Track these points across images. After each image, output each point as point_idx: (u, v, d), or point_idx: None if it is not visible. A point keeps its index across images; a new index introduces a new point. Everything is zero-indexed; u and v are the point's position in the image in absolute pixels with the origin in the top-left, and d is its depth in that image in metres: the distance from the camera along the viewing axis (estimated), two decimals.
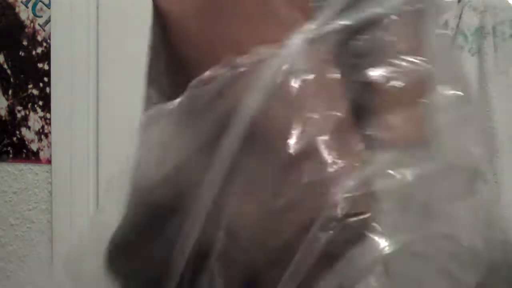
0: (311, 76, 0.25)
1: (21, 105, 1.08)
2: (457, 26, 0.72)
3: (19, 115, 1.08)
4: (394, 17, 0.26)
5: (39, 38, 1.06)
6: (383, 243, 0.23)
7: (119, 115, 0.99)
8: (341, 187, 0.23)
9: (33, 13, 1.06)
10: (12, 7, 1.08)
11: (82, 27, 1.00)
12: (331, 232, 0.23)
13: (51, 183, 1.05)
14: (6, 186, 1.10)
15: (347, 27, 0.25)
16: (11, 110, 1.09)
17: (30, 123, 1.07)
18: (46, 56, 1.05)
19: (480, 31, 0.70)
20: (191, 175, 0.26)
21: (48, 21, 1.04)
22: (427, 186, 0.25)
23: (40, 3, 1.05)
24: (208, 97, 0.26)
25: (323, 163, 0.24)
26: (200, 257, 0.25)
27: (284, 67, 0.24)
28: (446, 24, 0.74)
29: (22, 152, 1.08)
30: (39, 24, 1.06)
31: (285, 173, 0.24)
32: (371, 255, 0.23)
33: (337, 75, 0.25)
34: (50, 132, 1.04)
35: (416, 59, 0.26)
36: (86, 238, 0.30)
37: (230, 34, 0.26)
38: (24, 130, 1.08)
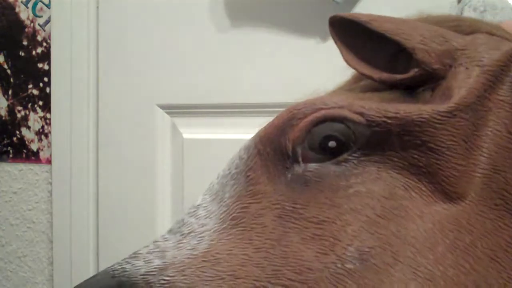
0: None
1: (21, 105, 1.08)
2: None
3: (19, 115, 1.08)
4: None
5: (39, 38, 1.06)
6: None
7: (119, 115, 0.99)
8: None
9: (33, 13, 1.06)
10: (12, 7, 1.08)
11: (82, 27, 1.00)
12: None
13: (51, 183, 1.05)
14: (6, 186, 1.10)
15: None
16: (11, 110, 1.09)
17: (30, 123, 1.07)
18: (46, 56, 1.05)
19: None
20: None
21: (48, 21, 1.04)
22: None
23: (40, 3, 1.05)
24: None
25: None
26: None
27: None
28: None
29: (22, 152, 1.08)
30: (39, 24, 1.06)
31: None
32: None
33: None
34: (50, 132, 1.04)
35: None
36: None
37: None
38: (24, 130, 1.08)
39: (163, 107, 0.96)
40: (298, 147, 0.27)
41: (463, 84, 0.26)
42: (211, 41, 0.92)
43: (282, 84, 0.88)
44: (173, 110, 0.96)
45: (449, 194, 0.26)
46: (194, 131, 0.95)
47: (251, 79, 0.90)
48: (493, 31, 0.29)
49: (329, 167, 0.27)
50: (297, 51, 0.88)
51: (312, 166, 0.27)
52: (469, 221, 0.25)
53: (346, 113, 0.26)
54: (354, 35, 0.28)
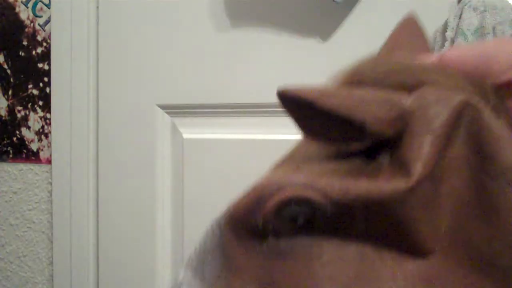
0: None
1: (21, 105, 1.08)
2: (457, 26, 0.71)
3: (19, 115, 1.08)
4: None
5: (39, 38, 1.06)
6: None
7: (119, 115, 0.99)
8: None
9: (33, 13, 1.06)
10: (12, 7, 1.08)
11: (82, 27, 1.00)
12: None
13: (51, 183, 1.05)
14: (6, 186, 1.10)
15: None
16: (11, 110, 1.09)
17: (30, 123, 1.07)
18: (46, 56, 1.05)
19: (480, 31, 0.70)
20: None
21: (48, 21, 1.04)
22: None
23: (40, 3, 1.05)
24: None
25: None
26: None
27: None
28: (446, 24, 0.74)
29: (22, 152, 1.08)
30: (39, 24, 1.06)
31: None
32: None
33: None
34: (50, 132, 1.04)
35: None
36: None
37: None
38: (24, 130, 1.08)
39: (163, 107, 0.96)
40: (269, 224, 0.28)
41: (418, 155, 0.26)
42: (211, 41, 0.93)
43: (282, 84, 0.88)
44: (173, 110, 0.96)
45: (417, 252, 0.26)
46: (194, 131, 0.95)
47: (251, 79, 0.90)
48: (440, 80, 0.29)
49: (301, 238, 0.28)
50: (297, 51, 0.88)
51: (285, 238, 0.28)
52: (439, 277, 0.26)
53: (310, 194, 0.27)
54: (304, 106, 0.29)
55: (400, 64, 0.30)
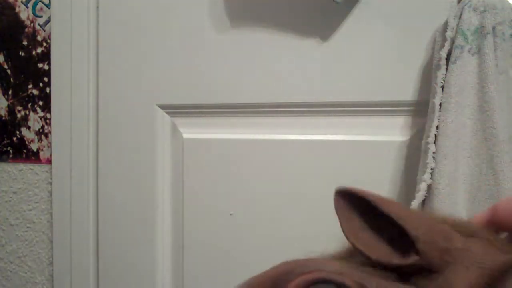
0: None
1: (21, 105, 1.08)
2: (457, 26, 0.71)
3: (19, 115, 1.08)
4: None
5: (39, 38, 1.06)
6: None
7: (119, 114, 0.99)
8: None
9: (33, 13, 1.06)
10: (12, 7, 1.08)
11: (82, 27, 1.00)
12: None
13: (51, 183, 1.05)
14: (6, 186, 1.10)
15: None
16: (11, 110, 1.09)
17: (30, 123, 1.07)
18: (46, 56, 1.05)
19: (480, 31, 0.70)
20: None
21: (48, 21, 1.04)
22: None
23: (40, 3, 1.05)
24: None
25: None
26: None
27: None
28: (446, 24, 0.74)
29: (22, 152, 1.08)
30: (39, 24, 1.06)
31: None
32: None
33: None
34: (50, 132, 1.04)
35: None
36: None
37: None
38: (24, 130, 1.08)
39: (163, 107, 0.96)
40: None
41: (464, 281, 0.27)
42: (211, 41, 0.93)
43: (282, 84, 0.88)
44: (173, 110, 0.96)
45: None
46: (194, 131, 0.95)
47: (251, 79, 0.90)
48: (490, 238, 0.30)
49: None
50: (297, 51, 0.88)
51: None
52: None
53: (346, 280, 0.26)
54: (356, 210, 0.29)
55: (455, 219, 0.31)
